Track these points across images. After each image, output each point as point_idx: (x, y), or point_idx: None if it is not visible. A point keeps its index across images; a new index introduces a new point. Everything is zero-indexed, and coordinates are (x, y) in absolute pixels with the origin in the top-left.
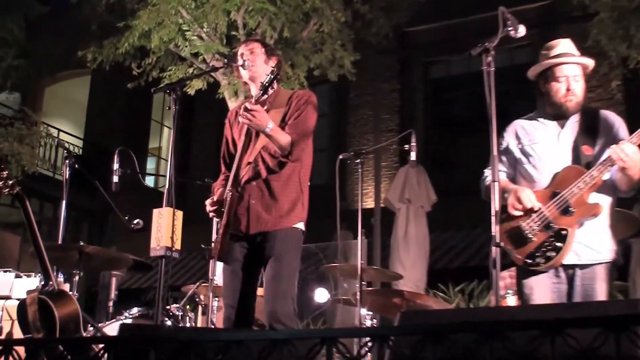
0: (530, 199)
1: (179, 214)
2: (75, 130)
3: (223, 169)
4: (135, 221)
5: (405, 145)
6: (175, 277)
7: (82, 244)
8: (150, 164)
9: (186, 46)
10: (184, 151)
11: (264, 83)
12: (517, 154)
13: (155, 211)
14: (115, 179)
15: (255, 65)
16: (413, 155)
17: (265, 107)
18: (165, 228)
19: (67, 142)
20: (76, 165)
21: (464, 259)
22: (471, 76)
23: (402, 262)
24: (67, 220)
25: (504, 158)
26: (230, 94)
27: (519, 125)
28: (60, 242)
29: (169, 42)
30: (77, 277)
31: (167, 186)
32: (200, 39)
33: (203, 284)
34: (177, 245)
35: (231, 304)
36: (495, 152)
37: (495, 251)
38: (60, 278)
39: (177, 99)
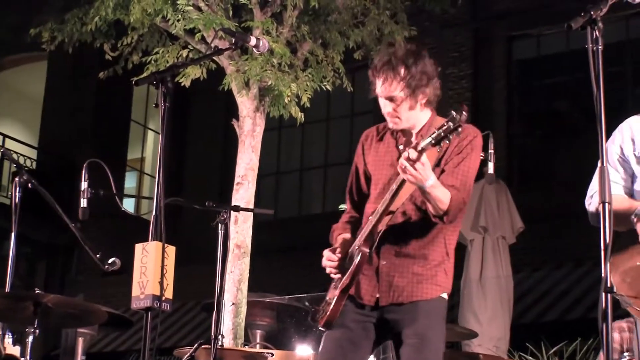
0: None
1: (171, 250)
2: (27, 136)
3: (348, 206)
4: (110, 260)
5: (481, 153)
6: (165, 336)
7: (37, 291)
8: (130, 182)
9: (178, 20)
10: (177, 164)
11: (445, 132)
12: (633, 164)
13: (138, 247)
14: (83, 202)
15: (401, 119)
16: (491, 167)
17: (415, 141)
18: (151, 270)
19: (16, 153)
20: (29, 184)
21: (562, 308)
22: (571, 56)
23: (477, 314)
24: (17, 260)
25: (619, 167)
26: (240, 86)
27: (636, 124)
28: (7, 289)
29: (155, 14)
30: (31, 337)
31: (154, 212)
32: (198, 9)
33: (203, 347)
34: (169, 294)
35: None
36: (604, 161)
37: (605, 299)
38: (8, 338)
39: (167, 92)
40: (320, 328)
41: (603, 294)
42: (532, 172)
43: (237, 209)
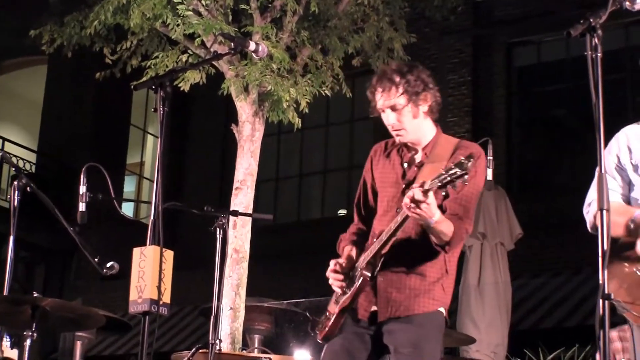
0: None
1: (169, 254)
2: (27, 139)
3: (356, 219)
4: (108, 264)
5: (485, 173)
6: (162, 340)
7: (36, 295)
8: (129, 186)
9: (178, 25)
10: (176, 168)
11: (448, 177)
12: (630, 172)
13: (136, 251)
14: (82, 206)
15: (407, 130)
16: (490, 174)
17: (418, 161)
18: (149, 274)
19: (15, 156)
20: (28, 188)
21: (560, 315)
22: (571, 63)
23: (475, 320)
24: (16, 263)
25: (616, 175)
26: (239, 90)
27: (632, 133)
28: (6, 292)
29: (155, 19)
30: (29, 341)
31: (152, 216)
32: (198, 14)
33: (201, 351)
34: (166, 298)
35: None
36: (602, 168)
37: (603, 305)
38: (6, 342)
39: (166, 97)
40: (319, 341)
41: (600, 300)
42: (532, 178)
43: (235, 213)
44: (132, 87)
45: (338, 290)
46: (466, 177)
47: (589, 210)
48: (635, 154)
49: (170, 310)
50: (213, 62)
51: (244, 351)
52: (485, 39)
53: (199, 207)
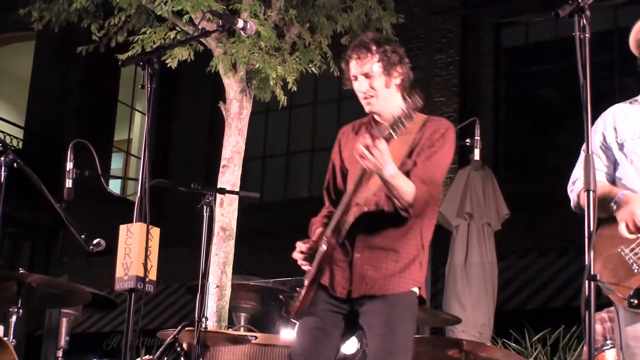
0: None
1: (156, 232)
2: (14, 115)
3: (327, 202)
4: (95, 241)
5: (467, 140)
6: (149, 318)
7: (21, 271)
8: (117, 163)
9: (166, 2)
10: (164, 145)
11: (399, 118)
12: (615, 151)
13: (123, 228)
14: (69, 182)
15: (377, 98)
16: (477, 154)
17: (387, 132)
18: (136, 251)
19: (3, 132)
20: (15, 164)
21: (546, 296)
22: (559, 44)
23: (461, 300)
24: (2, 239)
25: (601, 154)
26: (227, 68)
27: (619, 112)
28: None
29: None
30: (14, 317)
31: (138, 194)
32: None
33: (187, 329)
34: (152, 275)
35: None
36: (589, 149)
37: (589, 286)
38: None
39: (154, 73)
40: (292, 319)
41: (586, 281)
42: (519, 159)
43: (222, 191)
44: (119, 63)
45: (305, 268)
46: (413, 116)
47: (573, 189)
48: (621, 132)
49: (156, 287)
50: (201, 39)
51: (230, 329)
52: (474, 19)
53: (186, 184)
